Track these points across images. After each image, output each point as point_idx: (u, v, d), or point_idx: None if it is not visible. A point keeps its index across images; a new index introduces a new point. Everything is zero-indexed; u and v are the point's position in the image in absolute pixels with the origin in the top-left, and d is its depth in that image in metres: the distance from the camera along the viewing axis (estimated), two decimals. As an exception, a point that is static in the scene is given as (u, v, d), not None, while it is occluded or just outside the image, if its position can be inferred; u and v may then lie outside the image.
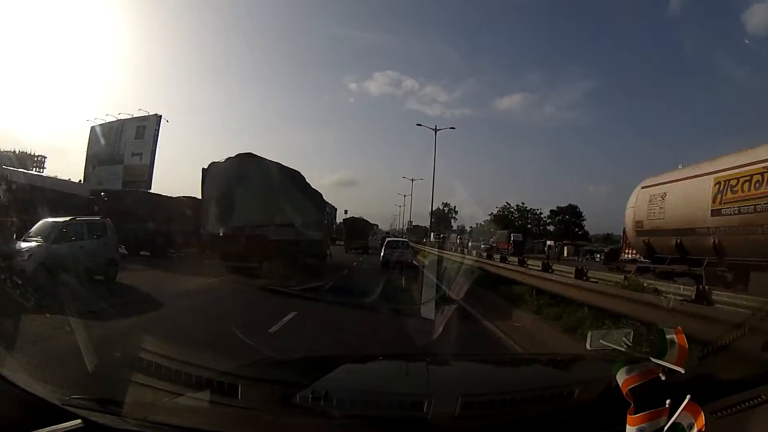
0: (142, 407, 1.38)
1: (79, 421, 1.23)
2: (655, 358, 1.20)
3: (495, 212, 72.64)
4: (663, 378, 1.18)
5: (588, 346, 1.44)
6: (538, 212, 73.13)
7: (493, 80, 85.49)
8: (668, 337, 1.23)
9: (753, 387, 1.56)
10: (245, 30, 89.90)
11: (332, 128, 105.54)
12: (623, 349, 1.38)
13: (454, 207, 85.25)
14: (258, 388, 1.62)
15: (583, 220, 71.26)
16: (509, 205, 73.90)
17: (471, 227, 76.92)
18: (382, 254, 19.27)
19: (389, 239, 24.16)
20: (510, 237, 52.07)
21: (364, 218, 38.95)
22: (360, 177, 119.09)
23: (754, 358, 2.37)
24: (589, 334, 1.46)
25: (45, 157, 53.58)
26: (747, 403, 1.44)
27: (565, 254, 45.03)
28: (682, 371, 1.16)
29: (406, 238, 35.54)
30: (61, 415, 1.25)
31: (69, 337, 4.50)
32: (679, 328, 1.25)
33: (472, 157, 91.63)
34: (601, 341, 1.42)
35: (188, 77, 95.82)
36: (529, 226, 70.64)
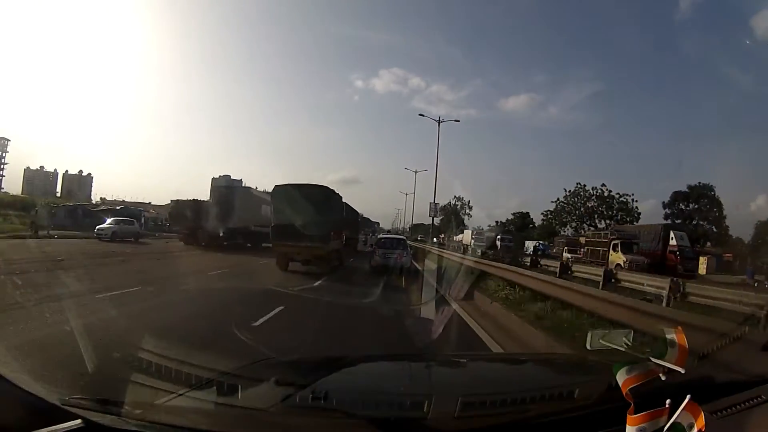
0: (142, 407, 1.38)
1: (79, 421, 1.23)
2: (655, 358, 1.20)
3: (561, 198, 50.01)
4: (663, 378, 1.18)
5: (588, 346, 1.44)
6: (629, 198, 45.81)
7: (499, 80, 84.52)
8: (668, 337, 1.23)
9: (753, 387, 1.56)
10: (250, 28, 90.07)
11: (337, 126, 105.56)
12: (623, 349, 1.38)
13: (468, 201, 71.72)
14: (258, 388, 1.62)
15: (721, 210, 40.96)
16: (582, 186, 48.19)
17: (489, 226, 63.22)
18: (373, 256, 15.93)
19: (382, 237, 19.44)
20: (668, 236, 25.46)
21: (334, 191, 16.09)
22: (364, 175, 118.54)
23: (754, 359, 2.37)
24: (589, 334, 1.46)
25: (8, 140, 52.01)
26: (747, 403, 1.44)
27: (704, 270, 26.14)
28: (682, 371, 1.17)
29: (404, 236, 28.34)
30: (61, 415, 1.25)
31: (69, 335, 4.49)
32: (680, 327, 1.26)
33: (477, 159, 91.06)
34: (601, 341, 1.43)
35: (189, 74, 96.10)
36: (612, 221, 44.29)
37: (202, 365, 1.79)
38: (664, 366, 1.18)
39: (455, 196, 74.96)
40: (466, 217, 72.51)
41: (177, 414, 1.39)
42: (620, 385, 1.15)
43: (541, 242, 46.48)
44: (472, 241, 46.35)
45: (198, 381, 1.63)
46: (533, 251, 38.13)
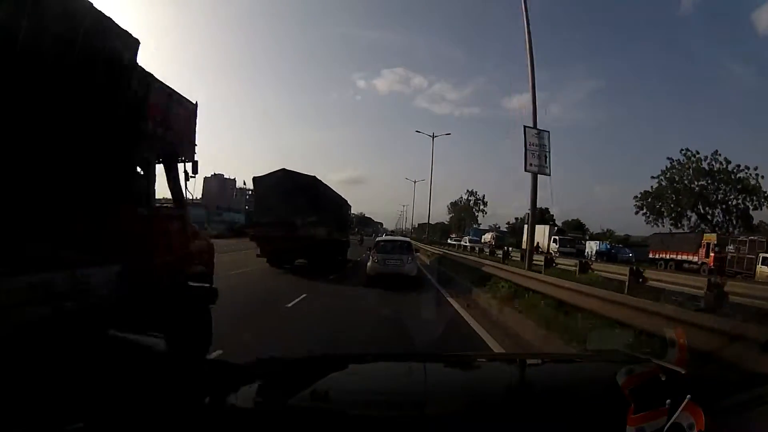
0: (142, 407, 1.38)
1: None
2: (655, 358, 1.21)
3: (665, 170, 33.64)
4: (663, 378, 1.18)
5: (588, 346, 1.45)
6: (750, 174, 29.44)
7: (503, 78, 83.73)
8: (668, 337, 1.23)
9: (753, 387, 1.56)
10: (253, 28, 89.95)
11: (340, 125, 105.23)
12: (623, 349, 1.38)
13: (483, 197, 66.15)
14: (258, 388, 1.62)
15: None
16: (693, 154, 31.55)
17: (508, 224, 57.51)
18: (369, 263, 13.72)
19: (380, 240, 16.08)
20: None
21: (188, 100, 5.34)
22: (368, 175, 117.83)
23: (754, 359, 2.37)
24: (589, 334, 1.46)
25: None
26: (747, 403, 1.44)
27: None
28: (682, 371, 1.17)
29: (408, 238, 21.11)
30: (61, 415, 1.25)
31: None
32: (679, 328, 1.26)
33: (479, 158, 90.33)
34: (601, 341, 1.43)
35: (190, 75, 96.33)
36: (722, 208, 30.34)
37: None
38: (664, 366, 1.19)
39: (468, 191, 69.22)
40: (480, 214, 66.12)
41: (177, 414, 1.39)
42: (620, 385, 1.15)
43: (605, 242, 34.30)
44: (555, 244, 28.74)
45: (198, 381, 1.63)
46: (597, 256, 26.73)
